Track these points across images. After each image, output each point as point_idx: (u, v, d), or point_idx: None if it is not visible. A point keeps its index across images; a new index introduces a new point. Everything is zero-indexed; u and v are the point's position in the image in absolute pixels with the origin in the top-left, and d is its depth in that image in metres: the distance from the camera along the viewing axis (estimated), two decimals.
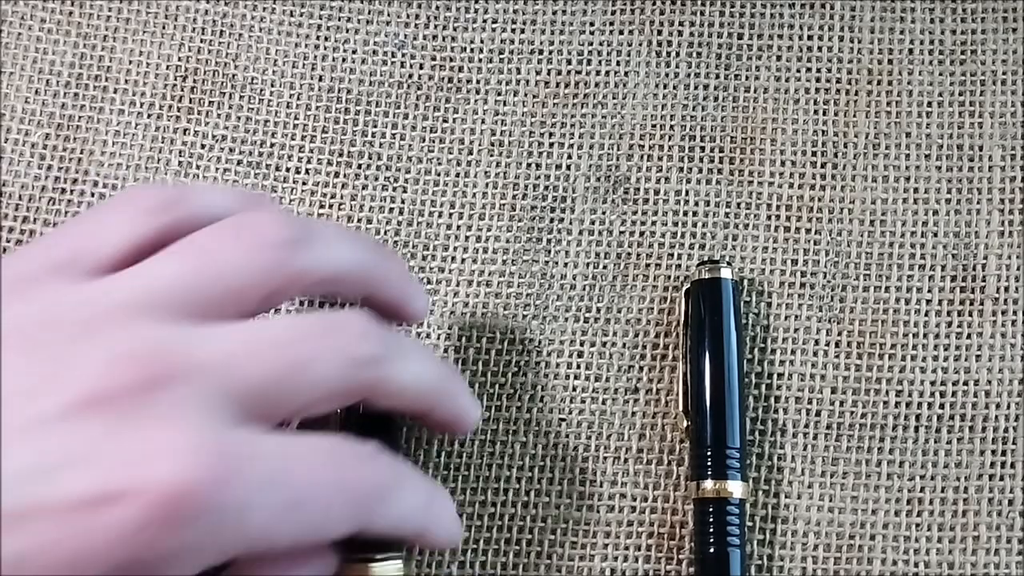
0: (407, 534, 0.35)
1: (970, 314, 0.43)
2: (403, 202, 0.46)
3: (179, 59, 0.47)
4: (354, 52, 0.47)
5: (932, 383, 0.42)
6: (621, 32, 0.47)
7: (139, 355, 0.30)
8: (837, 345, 0.43)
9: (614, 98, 0.46)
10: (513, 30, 0.47)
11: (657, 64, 0.47)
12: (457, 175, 0.46)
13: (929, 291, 0.43)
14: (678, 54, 0.47)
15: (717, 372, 0.41)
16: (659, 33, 0.47)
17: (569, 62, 0.47)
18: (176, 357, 0.30)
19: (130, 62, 0.47)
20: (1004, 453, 0.41)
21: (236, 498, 0.29)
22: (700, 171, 0.45)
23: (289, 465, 0.31)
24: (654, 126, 0.46)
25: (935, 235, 0.44)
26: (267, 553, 0.31)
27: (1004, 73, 0.46)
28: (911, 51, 0.46)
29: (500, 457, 0.42)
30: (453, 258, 0.45)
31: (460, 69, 0.47)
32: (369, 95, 0.47)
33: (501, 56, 0.47)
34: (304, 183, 0.46)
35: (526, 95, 0.47)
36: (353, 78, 0.47)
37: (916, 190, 0.45)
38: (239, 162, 0.46)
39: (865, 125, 0.45)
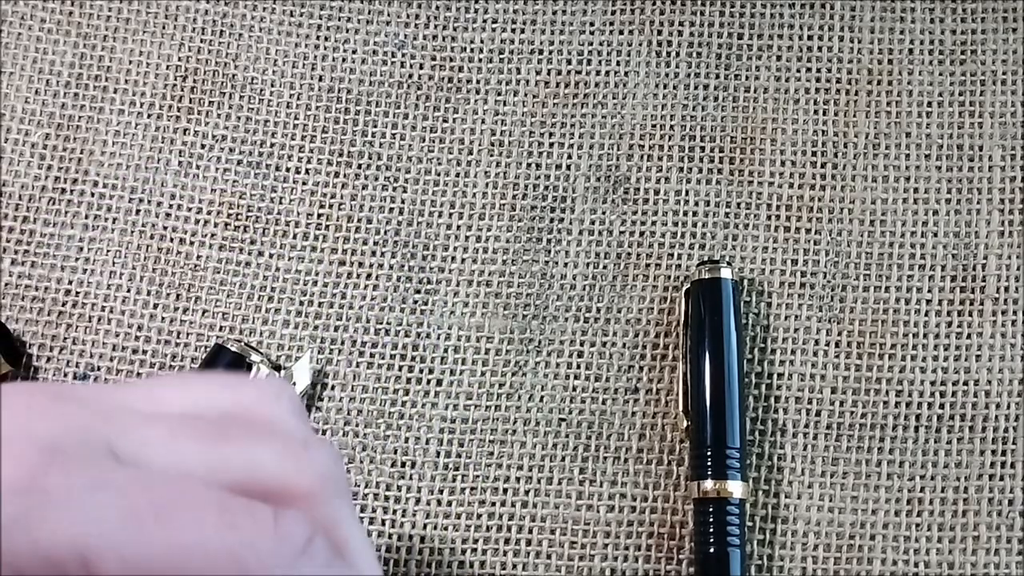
0: None
1: (970, 314, 0.43)
2: (403, 202, 0.46)
3: (179, 59, 0.47)
4: (354, 52, 0.48)
5: (932, 383, 0.42)
6: (621, 32, 0.47)
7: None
8: (837, 345, 0.43)
9: (614, 98, 0.46)
10: (513, 30, 0.47)
11: (657, 64, 0.47)
12: (457, 175, 0.46)
13: (929, 291, 0.43)
14: (678, 54, 0.47)
15: (717, 372, 0.41)
16: (659, 33, 0.47)
17: (569, 62, 0.47)
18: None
19: (130, 62, 0.47)
20: (1004, 453, 0.41)
21: (45, 483, 0.24)
22: (700, 171, 0.45)
23: (143, 486, 0.25)
24: (654, 126, 0.46)
25: (935, 235, 0.44)
26: None
27: (1004, 73, 0.46)
28: (911, 51, 0.46)
29: (500, 457, 0.42)
30: (453, 258, 0.45)
31: (460, 69, 0.47)
32: (369, 95, 0.47)
33: (501, 56, 0.47)
34: (304, 183, 0.46)
35: (526, 95, 0.47)
36: (353, 78, 0.47)
37: (916, 190, 0.45)
38: (239, 162, 0.46)
39: (865, 125, 0.45)
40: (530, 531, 0.42)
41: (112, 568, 0.24)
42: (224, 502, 0.25)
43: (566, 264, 0.45)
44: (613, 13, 0.47)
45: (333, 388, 0.43)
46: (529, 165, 0.46)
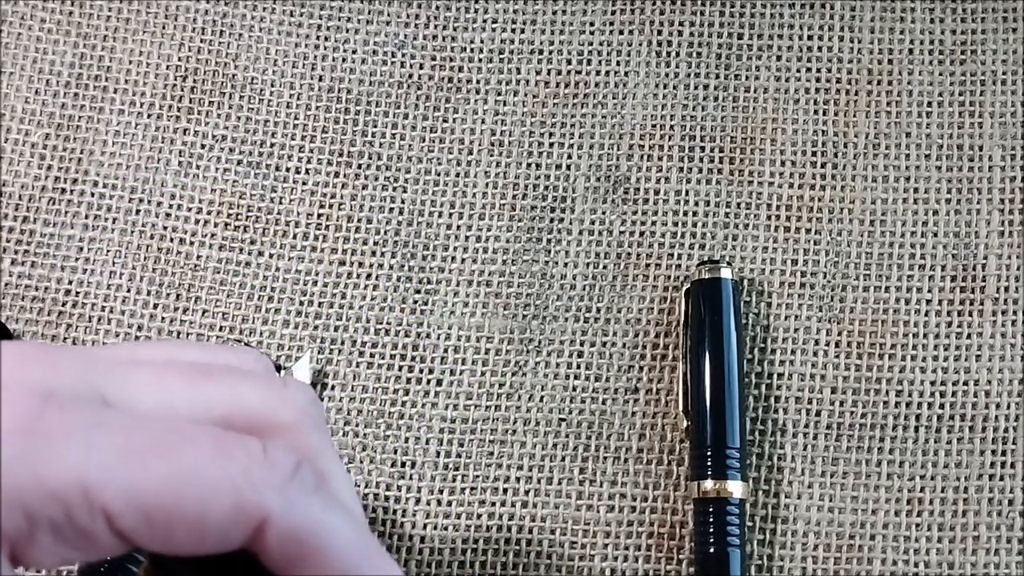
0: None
1: (970, 314, 0.43)
2: (403, 202, 0.46)
3: (179, 59, 0.47)
4: (354, 52, 0.48)
5: (932, 383, 0.42)
6: (621, 32, 0.47)
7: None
8: (837, 345, 0.43)
9: (614, 98, 0.46)
10: (513, 30, 0.47)
11: (657, 64, 0.47)
12: (457, 175, 0.46)
13: (929, 291, 0.43)
14: (678, 54, 0.47)
15: (717, 372, 0.41)
16: (659, 33, 0.47)
17: (569, 62, 0.47)
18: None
19: (130, 62, 0.47)
20: (1004, 453, 0.41)
21: (43, 424, 0.25)
22: (700, 171, 0.45)
23: (137, 424, 0.26)
24: (654, 126, 0.46)
25: (935, 235, 0.44)
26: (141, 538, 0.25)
27: (1004, 73, 0.46)
28: (911, 51, 0.46)
29: (500, 457, 0.42)
30: (453, 258, 0.45)
31: (460, 69, 0.47)
32: (369, 95, 0.47)
33: (501, 56, 0.47)
34: (304, 183, 0.46)
35: (526, 95, 0.47)
36: (353, 78, 0.47)
37: (916, 190, 0.45)
38: (239, 162, 0.46)
39: (865, 125, 0.45)
40: (530, 531, 0.42)
41: (114, 500, 0.25)
42: (215, 435, 0.26)
43: (566, 264, 0.45)
44: (613, 13, 0.47)
45: (333, 388, 0.43)
46: (529, 165, 0.46)
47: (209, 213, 0.46)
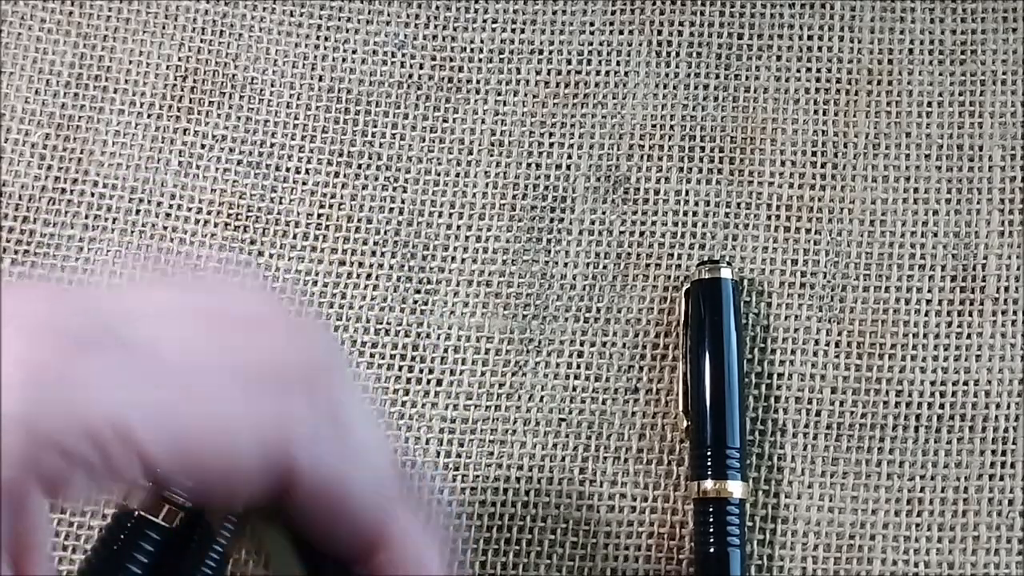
0: (365, 519, 0.28)
1: (970, 314, 0.43)
2: (403, 202, 0.46)
3: (179, 59, 0.47)
4: (354, 52, 0.48)
5: (932, 383, 0.42)
6: (621, 32, 0.47)
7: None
8: (837, 345, 0.43)
9: (614, 98, 0.46)
10: (513, 30, 0.47)
11: (657, 64, 0.47)
12: (457, 175, 0.46)
13: (929, 291, 0.43)
14: (678, 54, 0.47)
15: (717, 372, 0.41)
16: (659, 33, 0.47)
17: (569, 62, 0.47)
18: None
19: (130, 62, 0.47)
20: (1004, 453, 0.41)
21: (73, 364, 0.25)
22: (700, 171, 0.45)
23: (164, 367, 0.26)
24: (654, 126, 0.46)
25: (935, 235, 0.44)
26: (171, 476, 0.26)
27: (1004, 73, 0.46)
28: (911, 51, 0.46)
29: (500, 457, 0.42)
30: (453, 258, 0.45)
31: (460, 69, 0.47)
32: (369, 95, 0.47)
33: (501, 56, 0.47)
34: (304, 183, 0.46)
35: (526, 95, 0.47)
36: (353, 78, 0.47)
37: (916, 190, 0.45)
38: (239, 162, 0.46)
39: (865, 125, 0.45)
40: (530, 531, 0.42)
41: (148, 439, 0.25)
42: (240, 382, 0.27)
43: (566, 264, 0.45)
44: (613, 13, 0.47)
45: None
46: (529, 165, 0.46)
47: (209, 213, 0.46)
